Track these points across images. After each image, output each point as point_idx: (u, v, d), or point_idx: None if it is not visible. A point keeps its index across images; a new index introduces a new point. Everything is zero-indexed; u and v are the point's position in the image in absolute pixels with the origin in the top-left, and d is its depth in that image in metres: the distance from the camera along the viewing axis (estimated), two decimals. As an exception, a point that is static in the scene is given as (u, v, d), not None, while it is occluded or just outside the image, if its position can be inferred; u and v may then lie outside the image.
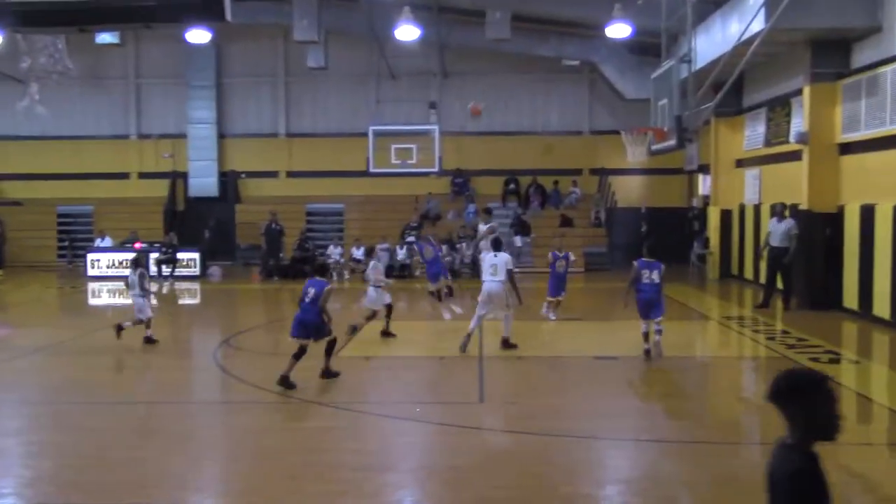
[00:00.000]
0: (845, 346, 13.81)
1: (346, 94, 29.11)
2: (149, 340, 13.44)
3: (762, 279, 18.24)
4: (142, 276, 13.60)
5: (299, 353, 10.30)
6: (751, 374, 12.41)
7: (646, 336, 11.83)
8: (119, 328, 13.37)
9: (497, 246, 13.02)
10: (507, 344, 12.71)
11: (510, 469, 7.39)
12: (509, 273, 12.44)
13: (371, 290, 13.52)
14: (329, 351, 10.63)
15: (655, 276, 11.77)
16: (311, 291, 10.29)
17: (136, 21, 5.89)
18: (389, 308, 13.72)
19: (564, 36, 25.39)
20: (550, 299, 15.84)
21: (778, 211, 16.96)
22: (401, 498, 6.95)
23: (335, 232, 27.96)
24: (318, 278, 10.55)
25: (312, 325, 10.31)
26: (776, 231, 16.75)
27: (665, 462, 7.75)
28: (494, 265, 12.50)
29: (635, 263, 12.03)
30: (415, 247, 15.96)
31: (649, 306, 11.72)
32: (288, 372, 10.17)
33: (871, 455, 8.00)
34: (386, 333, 13.78)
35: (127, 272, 14.53)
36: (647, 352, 11.77)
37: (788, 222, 16.57)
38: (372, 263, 13.95)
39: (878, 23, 14.77)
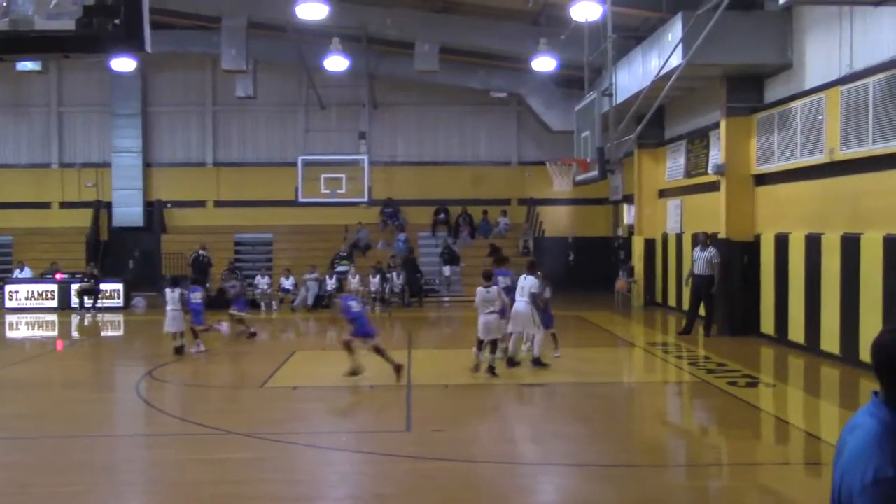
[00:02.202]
0: (763, 371, 14.25)
1: (275, 124, 29.01)
2: (178, 351, 14.94)
3: (685, 306, 18.72)
4: (182, 295, 15.04)
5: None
6: (674, 398, 12.71)
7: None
8: (179, 350, 14.84)
9: (531, 269, 13.66)
10: (538, 363, 13.29)
11: (437, 496, 7.42)
12: (532, 296, 13.15)
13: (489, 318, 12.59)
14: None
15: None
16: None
17: (54, 50, 5.80)
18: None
19: (492, 68, 25.84)
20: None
21: (700, 240, 17.48)
22: (327, 527, 6.92)
23: (264, 262, 27.69)
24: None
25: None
26: (699, 259, 17.27)
27: (591, 486, 7.88)
28: (522, 287, 13.31)
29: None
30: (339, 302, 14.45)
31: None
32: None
33: (788, 474, 8.29)
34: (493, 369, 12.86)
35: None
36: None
37: (710, 251, 17.08)
38: (491, 288, 12.74)
39: (789, 60, 15.46)
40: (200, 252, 24.87)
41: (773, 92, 16.31)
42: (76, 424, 10.51)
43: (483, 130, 29.23)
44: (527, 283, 13.26)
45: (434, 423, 10.13)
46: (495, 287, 12.60)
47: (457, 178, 28.69)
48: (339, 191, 25.15)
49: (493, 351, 12.66)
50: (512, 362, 13.37)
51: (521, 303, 13.17)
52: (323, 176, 25.18)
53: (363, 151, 26.48)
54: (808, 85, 14.83)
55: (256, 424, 10.07)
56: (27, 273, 25.52)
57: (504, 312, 12.89)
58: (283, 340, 19.45)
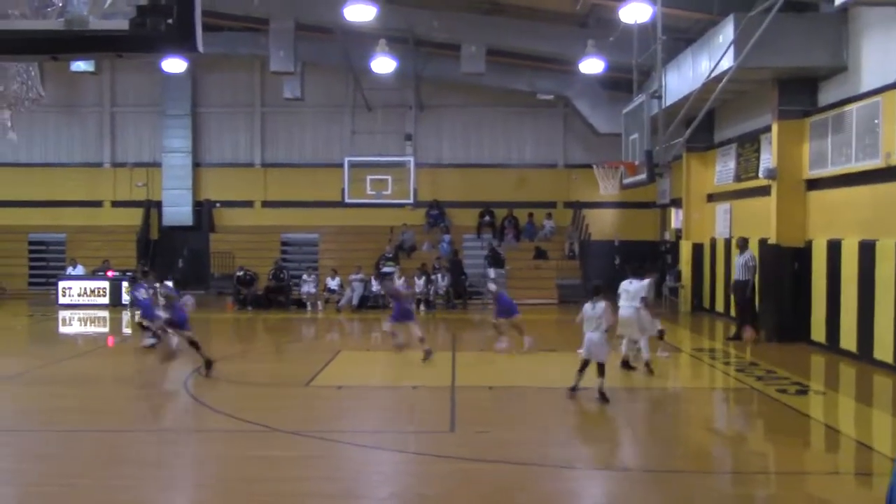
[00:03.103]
0: (813, 378, 13.98)
1: (322, 125, 29.25)
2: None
3: (734, 312, 18.45)
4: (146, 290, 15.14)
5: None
6: (721, 405, 12.52)
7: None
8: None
9: (638, 274, 13.61)
10: (648, 368, 13.29)
11: (480, 498, 7.40)
12: (642, 300, 13.23)
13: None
14: None
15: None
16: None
17: (107, 50, 5.89)
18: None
19: (539, 70, 25.75)
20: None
21: (739, 244, 17.34)
22: (371, 526, 6.95)
23: (310, 262, 27.92)
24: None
25: None
26: (737, 264, 17.13)
27: (635, 491, 7.80)
28: (627, 291, 13.33)
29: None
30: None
31: None
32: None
33: (838, 484, 8.12)
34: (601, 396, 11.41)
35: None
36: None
37: (746, 254, 16.95)
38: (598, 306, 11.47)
39: (844, 62, 15.15)
40: (241, 273, 25.08)
41: (827, 95, 15.99)
42: (125, 419, 10.71)
43: (529, 133, 29.13)
44: (633, 288, 13.34)
45: (478, 424, 10.11)
46: (603, 303, 11.35)
47: (502, 181, 28.64)
48: (384, 192, 25.27)
49: (601, 374, 11.19)
50: (627, 365, 13.46)
51: (627, 308, 13.24)
52: (369, 177, 25.32)
53: (409, 153, 26.58)
54: (864, 88, 14.52)
55: (302, 422, 10.15)
56: (80, 270, 26.07)
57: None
58: (328, 340, 19.58)
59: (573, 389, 11.39)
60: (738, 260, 17.16)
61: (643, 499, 7.56)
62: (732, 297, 17.78)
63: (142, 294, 15.73)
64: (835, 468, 8.93)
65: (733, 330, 17.42)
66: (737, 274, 17.19)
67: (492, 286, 16.99)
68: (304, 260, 28.03)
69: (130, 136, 29.75)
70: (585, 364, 11.38)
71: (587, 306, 11.45)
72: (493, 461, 8.43)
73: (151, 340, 15.43)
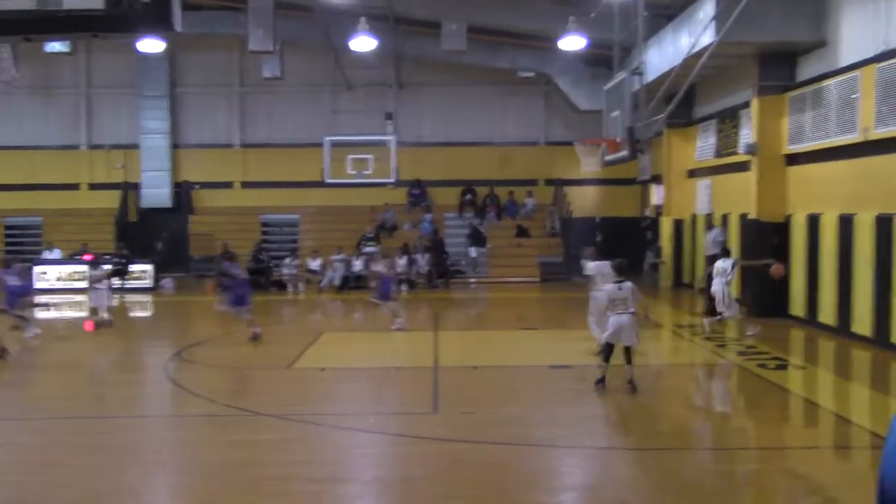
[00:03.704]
0: (793, 353, 14.10)
1: (302, 105, 29.00)
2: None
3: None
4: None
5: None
6: (702, 381, 12.61)
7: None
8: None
9: (726, 252, 14.59)
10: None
11: (465, 478, 7.42)
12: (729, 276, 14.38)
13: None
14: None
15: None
16: None
17: (82, 30, 5.79)
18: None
19: (520, 48, 25.62)
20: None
21: (707, 223, 17.75)
22: (356, 509, 6.95)
23: (291, 243, 27.78)
24: None
25: None
26: (706, 241, 17.46)
27: (619, 468, 7.84)
28: (719, 268, 14.45)
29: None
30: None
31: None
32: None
33: (817, 458, 8.19)
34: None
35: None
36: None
37: (714, 231, 17.21)
38: None
39: (823, 37, 15.16)
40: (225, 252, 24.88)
41: (807, 70, 16.02)
42: (105, 405, 10.64)
43: (510, 111, 29.03)
44: (724, 265, 14.35)
45: (462, 405, 10.12)
46: (629, 283, 10.47)
47: (484, 159, 28.56)
48: (365, 172, 25.15)
49: (629, 361, 10.44)
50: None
51: (717, 282, 14.33)
52: (349, 157, 25.17)
53: (390, 132, 26.43)
54: (843, 63, 14.54)
55: (284, 406, 10.12)
56: (57, 254, 25.81)
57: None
58: (310, 321, 19.54)
59: (601, 382, 10.43)
60: (706, 236, 17.67)
61: (626, 476, 7.60)
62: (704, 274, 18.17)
63: (11, 280, 15.22)
64: (815, 442, 9.02)
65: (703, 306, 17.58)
66: (707, 250, 17.65)
67: (379, 266, 16.78)
68: (285, 241, 27.90)
69: (107, 118, 29.37)
70: (610, 349, 10.41)
71: (612, 287, 10.54)
72: (478, 441, 8.45)
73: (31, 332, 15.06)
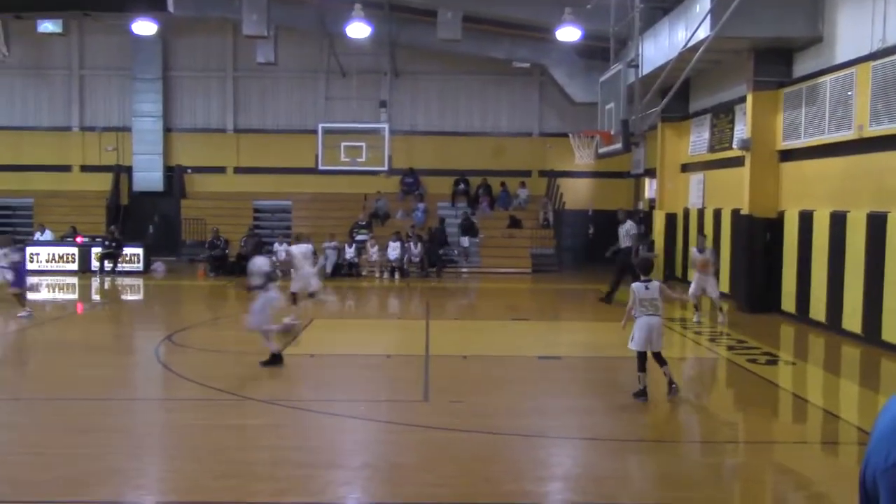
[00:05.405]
0: (783, 348, 14.14)
1: (296, 91, 28.91)
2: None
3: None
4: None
5: None
6: (692, 374, 12.62)
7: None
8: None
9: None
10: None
11: (454, 467, 7.42)
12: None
13: None
14: None
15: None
16: None
17: (73, 8, 5.77)
18: None
19: (515, 38, 25.56)
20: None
21: (620, 216, 18.72)
22: (345, 495, 6.93)
23: (283, 229, 27.68)
24: None
25: None
26: (620, 233, 18.09)
27: (606, 460, 7.85)
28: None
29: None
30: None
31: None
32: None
33: (805, 453, 8.22)
34: None
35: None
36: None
37: (627, 224, 17.82)
38: None
39: (819, 33, 15.16)
40: (216, 240, 24.84)
41: (802, 66, 16.02)
42: (94, 387, 10.58)
43: (505, 101, 29.00)
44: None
45: (452, 393, 10.12)
46: (657, 282, 9.87)
47: (477, 149, 28.53)
48: (358, 159, 25.09)
49: (663, 363, 9.76)
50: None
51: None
52: (343, 144, 25.11)
53: (384, 120, 26.36)
54: (839, 59, 14.55)
55: (274, 391, 10.10)
56: (48, 236, 25.71)
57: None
58: (301, 307, 19.47)
59: (642, 395, 9.63)
60: (620, 229, 18.40)
61: (615, 467, 7.62)
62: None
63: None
64: (803, 437, 9.05)
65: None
66: (622, 242, 18.35)
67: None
68: (277, 227, 27.81)
69: (100, 100, 29.22)
70: (645, 356, 9.64)
71: (638, 286, 9.71)
72: (467, 430, 8.45)
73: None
